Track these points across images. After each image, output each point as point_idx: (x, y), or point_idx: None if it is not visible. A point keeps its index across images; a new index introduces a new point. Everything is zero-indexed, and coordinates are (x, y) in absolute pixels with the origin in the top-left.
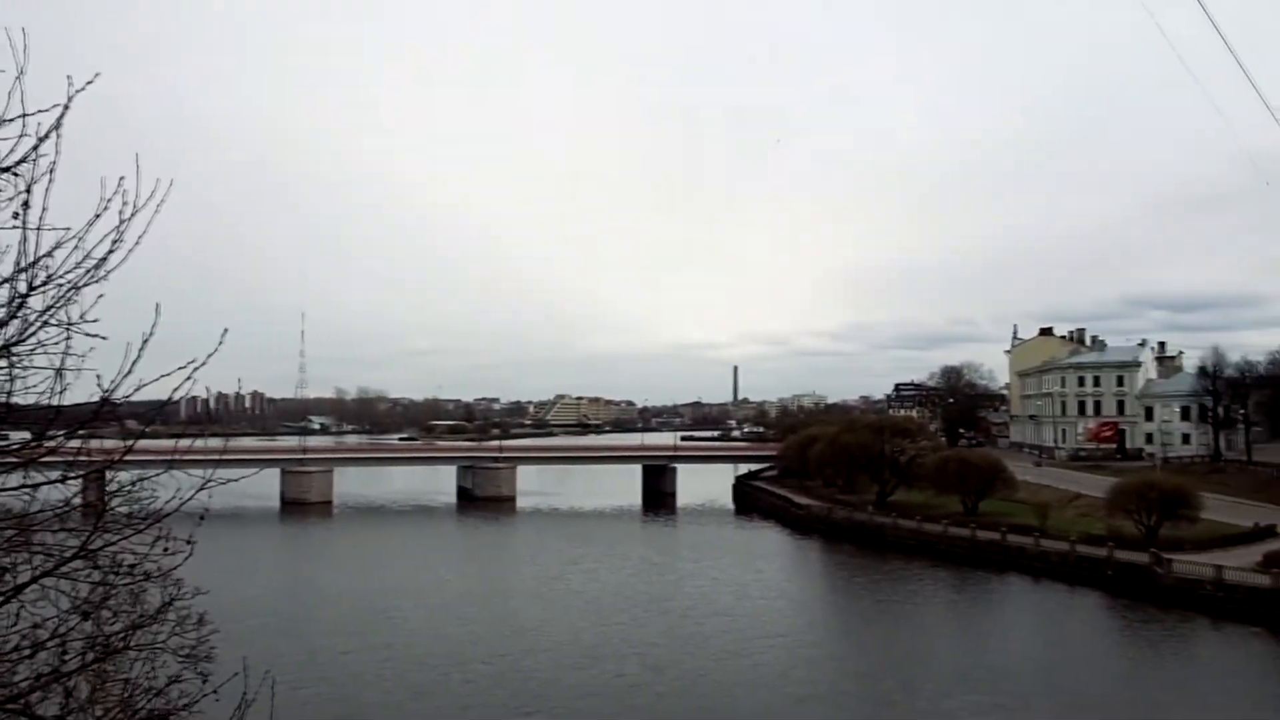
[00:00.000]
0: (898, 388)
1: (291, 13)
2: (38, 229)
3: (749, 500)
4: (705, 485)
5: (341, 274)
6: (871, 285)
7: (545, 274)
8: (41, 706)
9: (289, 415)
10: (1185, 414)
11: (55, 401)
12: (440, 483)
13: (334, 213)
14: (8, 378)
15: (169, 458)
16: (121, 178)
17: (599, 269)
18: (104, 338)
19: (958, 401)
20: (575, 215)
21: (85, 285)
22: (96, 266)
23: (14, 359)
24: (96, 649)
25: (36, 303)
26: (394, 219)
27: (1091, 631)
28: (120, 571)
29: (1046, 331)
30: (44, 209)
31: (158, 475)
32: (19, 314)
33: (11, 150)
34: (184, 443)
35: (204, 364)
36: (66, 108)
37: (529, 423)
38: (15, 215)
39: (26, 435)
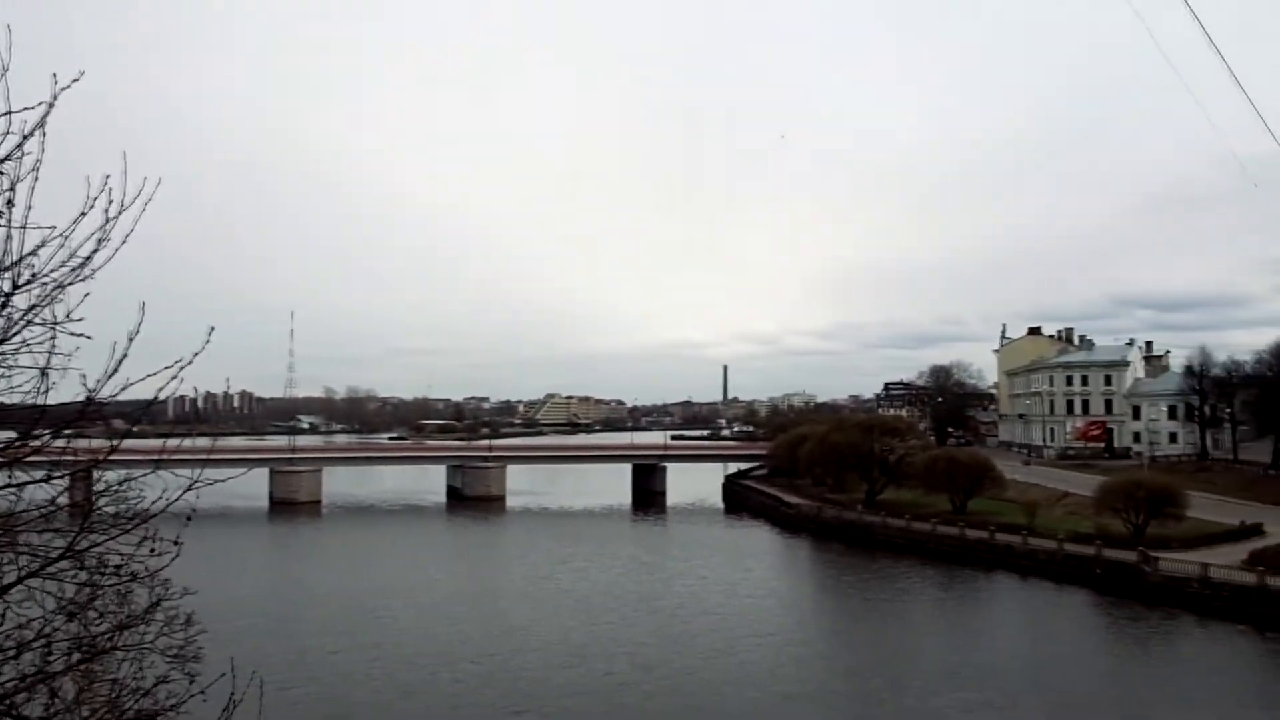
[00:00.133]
0: (887, 387)
1: (291, 13)
2: (23, 227)
3: (738, 499)
4: (695, 484)
5: (340, 274)
6: (860, 284)
7: (545, 274)
8: (27, 707)
9: (278, 414)
10: (1172, 413)
11: (40, 401)
12: (430, 482)
13: (333, 213)
14: None
15: (156, 457)
16: (107, 176)
17: (599, 269)
18: (89, 337)
19: (947, 401)
20: (575, 215)
21: (70, 284)
22: (82, 265)
23: None
24: (83, 649)
25: (21, 301)
26: (394, 219)
27: (1079, 629)
28: (107, 572)
29: (1035, 331)
30: (29, 207)
31: (145, 475)
32: (3, 313)
33: None
34: (171, 442)
35: (191, 363)
36: (52, 105)
37: (519, 422)
38: None
39: (11, 434)
